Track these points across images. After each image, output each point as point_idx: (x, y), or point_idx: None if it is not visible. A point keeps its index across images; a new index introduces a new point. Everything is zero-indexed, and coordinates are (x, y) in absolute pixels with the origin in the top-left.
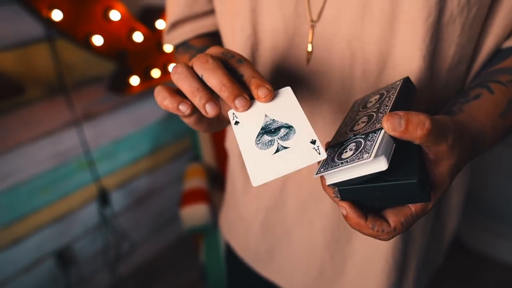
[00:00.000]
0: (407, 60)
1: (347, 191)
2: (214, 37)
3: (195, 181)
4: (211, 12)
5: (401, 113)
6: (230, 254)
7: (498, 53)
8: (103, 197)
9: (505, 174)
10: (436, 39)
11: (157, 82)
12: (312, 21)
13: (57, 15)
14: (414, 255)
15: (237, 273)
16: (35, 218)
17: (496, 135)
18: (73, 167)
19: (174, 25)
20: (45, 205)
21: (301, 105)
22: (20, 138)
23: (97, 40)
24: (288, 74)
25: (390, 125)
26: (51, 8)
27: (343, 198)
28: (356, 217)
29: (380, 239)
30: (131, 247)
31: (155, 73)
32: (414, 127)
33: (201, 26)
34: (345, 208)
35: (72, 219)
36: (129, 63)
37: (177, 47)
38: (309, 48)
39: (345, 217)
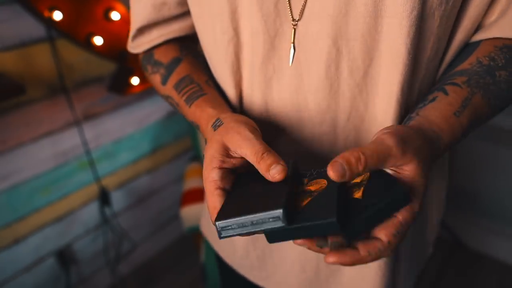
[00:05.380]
0: (392, 55)
1: (274, 234)
2: (185, 46)
3: (195, 181)
4: (180, 16)
5: (339, 159)
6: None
7: (464, 48)
8: (104, 197)
9: (503, 174)
10: (419, 33)
11: None
12: (293, 20)
13: (57, 15)
14: (405, 249)
15: (229, 275)
16: (36, 218)
17: (453, 133)
18: (74, 167)
19: (140, 31)
20: (46, 205)
21: (287, 109)
22: (21, 138)
23: (98, 40)
24: (271, 76)
25: (337, 173)
26: (52, 9)
27: (270, 241)
28: (350, 258)
29: (383, 257)
30: (131, 246)
31: None
32: (355, 165)
33: (170, 31)
34: (334, 258)
35: (73, 219)
36: (130, 63)
37: (142, 57)
38: (291, 49)
39: (342, 264)
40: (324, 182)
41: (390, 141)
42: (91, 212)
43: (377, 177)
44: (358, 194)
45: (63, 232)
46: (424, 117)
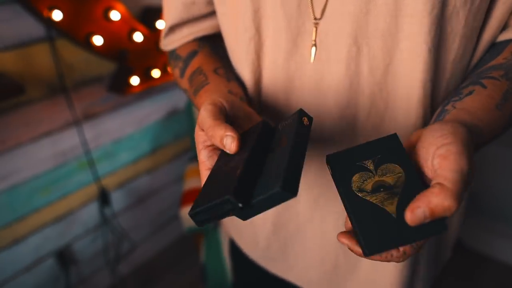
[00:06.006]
0: (413, 53)
1: (241, 213)
2: (206, 40)
3: (195, 181)
4: (209, 14)
5: (422, 205)
6: (235, 248)
7: (492, 47)
8: (103, 197)
9: (505, 174)
10: (440, 32)
11: (157, 82)
12: (315, 18)
13: (57, 15)
14: (424, 250)
15: (243, 266)
16: (36, 218)
17: (495, 126)
18: (74, 167)
19: (172, 29)
20: (45, 205)
21: (307, 106)
22: (21, 138)
23: (98, 40)
24: (293, 73)
25: (416, 220)
26: (51, 9)
27: (243, 219)
28: (359, 250)
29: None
30: (131, 247)
31: (155, 73)
32: (441, 213)
33: (199, 29)
34: (345, 240)
35: (72, 219)
36: (129, 63)
37: (168, 53)
38: (313, 47)
39: (350, 249)
40: (284, 140)
41: (465, 156)
42: (91, 212)
43: (412, 188)
44: (391, 208)
45: (62, 232)
46: (462, 109)
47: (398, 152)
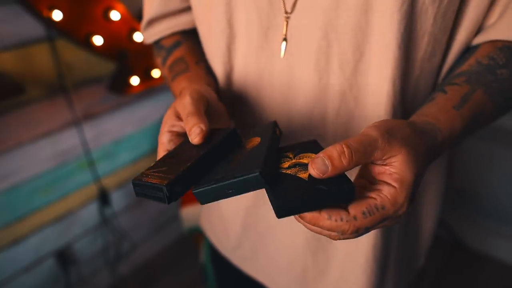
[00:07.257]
0: (383, 49)
1: (202, 193)
2: (189, 34)
3: None
4: (186, 9)
5: (320, 154)
6: (215, 254)
7: (466, 51)
8: (103, 197)
9: (503, 174)
10: (410, 29)
11: (157, 82)
12: (286, 12)
13: (57, 15)
14: (392, 255)
15: (224, 273)
16: (35, 218)
17: (453, 126)
18: (73, 167)
19: (150, 23)
20: (45, 205)
21: (277, 101)
22: (20, 138)
23: (98, 40)
24: (264, 68)
25: (318, 171)
26: (51, 9)
27: (203, 203)
28: (309, 216)
29: (347, 236)
30: (131, 247)
31: (155, 73)
32: (338, 160)
33: (177, 23)
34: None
35: (72, 219)
36: (129, 63)
37: (153, 44)
38: (284, 41)
39: (301, 218)
40: (257, 140)
41: (375, 133)
42: (91, 213)
43: None
44: (303, 175)
45: (62, 233)
46: (419, 114)
47: (316, 147)
